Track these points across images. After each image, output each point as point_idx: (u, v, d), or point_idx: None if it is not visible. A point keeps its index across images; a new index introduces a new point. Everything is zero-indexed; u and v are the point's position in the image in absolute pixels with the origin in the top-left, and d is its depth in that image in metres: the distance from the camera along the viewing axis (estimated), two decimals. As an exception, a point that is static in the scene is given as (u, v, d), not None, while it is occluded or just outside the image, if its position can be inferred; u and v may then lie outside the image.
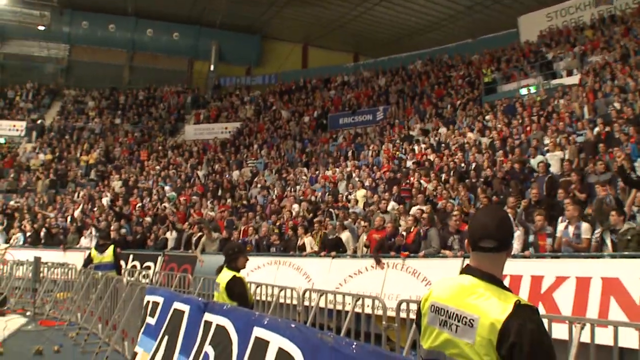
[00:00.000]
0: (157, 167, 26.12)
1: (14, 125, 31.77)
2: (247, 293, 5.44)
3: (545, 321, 5.13)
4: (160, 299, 5.62)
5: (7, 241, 19.70)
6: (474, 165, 14.61)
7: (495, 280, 2.33)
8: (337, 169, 19.18)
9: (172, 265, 15.58)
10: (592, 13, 23.77)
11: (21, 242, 19.47)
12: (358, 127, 25.43)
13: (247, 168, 23.65)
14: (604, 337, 5.53)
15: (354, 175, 17.94)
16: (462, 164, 15.27)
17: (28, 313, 12.59)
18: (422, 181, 14.68)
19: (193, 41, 36.68)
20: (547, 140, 14.25)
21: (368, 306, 7.84)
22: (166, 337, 5.05)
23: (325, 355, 2.77)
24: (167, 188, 22.76)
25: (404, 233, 11.31)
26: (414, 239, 10.96)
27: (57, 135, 31.55)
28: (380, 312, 7.67)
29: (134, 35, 36.18)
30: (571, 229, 8.84)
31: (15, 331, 10.76)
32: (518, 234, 9.43)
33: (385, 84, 28.50)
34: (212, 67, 36.72)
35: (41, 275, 13.34)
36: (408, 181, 15.08)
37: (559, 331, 5.57)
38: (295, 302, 9.62)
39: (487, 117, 18.91)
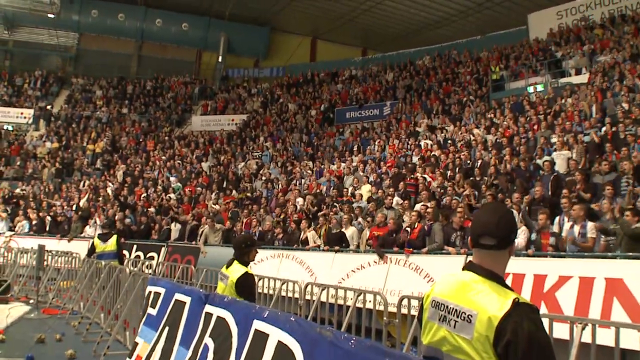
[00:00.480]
0: (163, 158, 26.17)
1: (22, 113, 31.91)
2: (255, 290, 5.38)
3: (546, 321, 5.15)
4: (161, 290, 5.62)
5: (11, 229, 19.76)
6: (479, 162, 14.56)
7: (496, 277, 2.32)
8: (343, 164, 19.14)
9: (176, 256, 15.63)
10: (603, 12, 23.57)
11: (26, 230, 19.54)
12: (365, 121, 25.38)
13: (252, 160, 23.65)
14: (605, 337, 5.49)
15: (359, 170, 17.91)
16: (468, 161, 15.21)
17: (31, 301, 12.64)
18: (427, 177, 14.64)
19: (202, 32, 36.64)
20: (554, 139, 14.18)
21: (369, 301, 7.83)
22: (167, 328, 5.04)
23: (324, 350, 2.76)
24: (172, 179, 22.80)
25: (408, 229, 11.29)
26: (418, 234, 10.94)
27: (64, 123, 31.66)
28: (381, 308, 7.67)
29: (143, 25, 36.16)
30: (577, 228, 8.82)
31: (18, 319, 10.80)
32: (522, 229, 9.41)
33: (392, 78, 28.43)
34: (220, 59, 36.65)
35: (45, 263, 13.39)
36: (413, 176, 15.04)
37: (560, 331, 5.55)
38: (297, 295, 9.63)
39: (494, 115, 18.82)
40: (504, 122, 17.38)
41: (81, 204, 21.26)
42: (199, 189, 20.49)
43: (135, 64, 38.20)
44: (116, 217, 18.04)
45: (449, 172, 14.69)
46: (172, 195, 20.42)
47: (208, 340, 4.15)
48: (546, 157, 13.09)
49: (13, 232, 19.26)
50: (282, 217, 15.59)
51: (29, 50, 36.92)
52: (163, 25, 36.43)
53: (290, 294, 9.65)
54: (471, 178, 13.45)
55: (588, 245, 8.55)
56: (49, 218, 19.97)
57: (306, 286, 9.56)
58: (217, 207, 17.78)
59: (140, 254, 16.64)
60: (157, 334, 5.16)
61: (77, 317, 10.61)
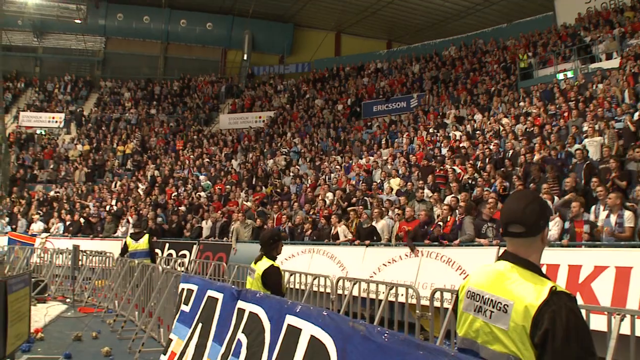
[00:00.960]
0: (192, 157, 26.41)
1: (53, 117, 32.52)
2: (282, 282, 5.45)
3: (583, 312, 5.01)
4: (194, 287, 5.67)
5: (47, 230, 20.16)
6: (510, 152, 14.35)
7: (531, 265, 2.28)
8: (371, 157, 19.06)
9: (207, 253, 15.78)
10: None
11: (61, 231, 19.92)
12: (392, 114, 25.25)
13: (281, 157, 23.71)
14: (645, 329, 5.35)
15: (388, 163, 17.82)
16: (500, 151, 15.00)
17: (68, 300, 12.88)
18: (456, 168, 14.49)
19: (226, 31, 36.86)
20: (585, 127, 13.89)
21: (402, 295, 7.78)
22: (200, 325, 5.09)
23: (357, 344, 2.75)
24: (201, 177, 23.00)
25: (441, 223, 11.20)
26: (452, 228, 10.85)
27: (94, 126, 32.18)
28: (414, 301, 7.61)
29: (168, 27, 36.52)
30: (613, 217, 8.62)
31: (56, 318, 11.02)
32: (556, 220, 9.26)
33: (419, 70, 28.22)
34: (245, 57, 36.84)
35: (80, 263, 13.65)
36: (442, 168, 14.90)
37: (597, 322, 5.44)
38: (329, 290, 9.62)
39: (523, 104, 18.54)
40: (533, 110, 17.10)
41: (113, 204, 21.57)
42: (228, 186, 20.62)
43: (162, 65, 38.61)
44: (148, 217, 18.29)
45: (479, 163, 14.52)
46: (203, 194, 20.60)
47: (241, 336, 4.17)
48: (577, 145, 12.82)
49: (48, 234, 19.65)
50: (311, 212, 15.60)
51: (57, 56, 37.59)
52: (188, 25, 36.76)
53: (322, 289, 9.64)
54: (502, 169, 13.26)
55: (626, 235, 8.35)
56: (82, 219, 20.31)
57: (338, 281, 9.55)
58: (248, 204, 17.88)
59: (173, 252, 16.85)
60: (191, 331, 5.21)
61: (112, 315, 10.79)
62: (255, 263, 5.47)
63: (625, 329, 5.12)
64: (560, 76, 20.10)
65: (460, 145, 16.78)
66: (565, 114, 15.67)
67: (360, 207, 14.20)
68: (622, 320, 5.06)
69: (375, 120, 25.38)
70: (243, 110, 32.39)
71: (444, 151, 16.62)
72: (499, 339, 2.20)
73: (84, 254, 14.29)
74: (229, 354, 4.26)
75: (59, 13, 32.27)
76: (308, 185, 18.61)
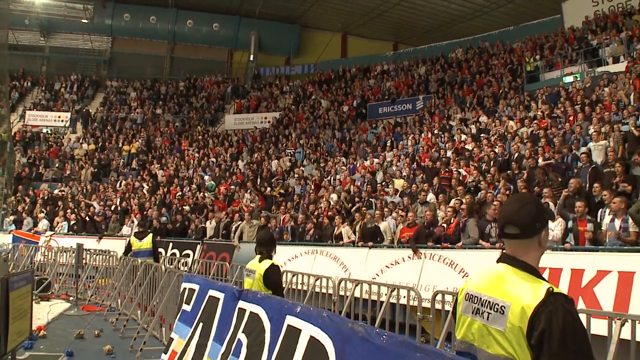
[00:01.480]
0: (196, 156, 26.46)
1: (59, 117, 32.63)
2: (282, 281, 5.48)
3: (583, 316, 5.03)
4: (196, 287, 5.68)
5: (51, 229, 20.22)
6: (516, 155, 14.30)
7: (528, 267, 2.28)
8: (376, 159, 19.05)
9: (211, 253, 15.79)
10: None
11: (65, 230, 19.97)
12: (398, 116, 25.23)
13: (285, 158, 23.73)
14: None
15: (393, 164, 17.80)
16: (505, 154, 14.96)
17: (71, 298, 12.93)
18: (461, 171, 14.46)
19: (232, 31, 36.91)
20: (591, 130, 13.82)
21: (403, 297, 7.78)
22: (201, 324, 5.09)
23: (356, 345, 2.74)
24: (206, 177, 23.02)
25: (444, 225, 11.19)
26: (454, 230, 10.83)
27: (100, 125, 32.27)
28: (415, 303, 7.60)
29: (175, 27, 36.57)
30: (618, 222, 8.57)
31: (59, 315, 11.08)
32: (559, 220, 9.23)
33: (425, 72, 28.19)
34: (251, 57, 36.90)
35: (83, 262, 13.69)
36: (447, 169, 14.87)
37: (598, 327, 5.41)
38: (331, 291, 9.62)
39: (529, 107, 18.48)
40: (539, 113, 17.05)
41: (117, 203, 21.63)
42: (233, 187, 20.63)
43: (168, 65, 38.72)
44: (152, 216, 18.33)
45: (483, 166, 14.48)
46: (207, 194, 20.62)
47: (241, 336, 4.17)
48: (583, 148, 12.78)
49: (53, 232, 19.71)
50: (315, 213, 15.60)
51: (64, 55, 37.73)
52: (194, 26, 36.83)
53: (324, 290, 9.64)
54: (508, 172, 13.22)
55: (631, 239, 8.32)
56: (87, 218, 20.36)
57: (340, 282, 9.55)
58: (252, 205, 17.89)
59: (176, 251, 16.86)
60: (192, 330, 5.21)
61: (114, 314, 10.82)
62: (253, 263, 5.50)
63: (626, 334, 5.09)
64: (569, 79, 20.00)
65: (465, 147, 16.76)
66: (571, 118, 15.61)
67: (364, 208, 14.18)
68: (623, 325, 5.04)
69: (381, 122, 25.35)
70: (249, 111, 32.44)
71: (449, 153, 16.59)
72: (496, 341, 2.19)
73: (88, 252, 14.33)
74: (229, 353, 4.26)
75: (66, 12, 32.45)
76: (312, 186, 18.61)
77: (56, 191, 24.86)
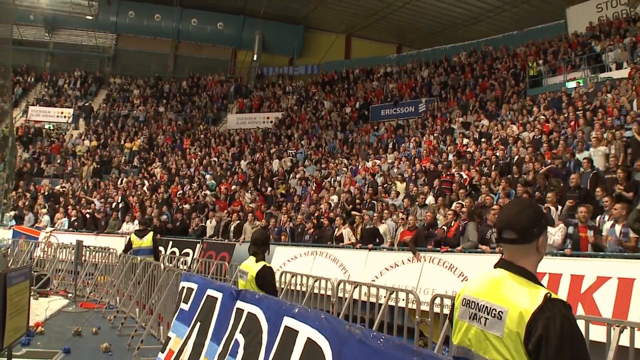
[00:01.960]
0: (199, 154, 26.48)
1: (62, 112, 32.67)
2: (275, 283, 5.47)
3: (582, 322, 5.02)
4: (194, 286, 5.67)
5: (52, 224, 20.23)
6: (516, 159, 14.29)
7: (526, 273, 2.26)
8: (377, 161, 19.05)
9: (211, 252, 15.78)
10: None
11: (66, 227, 19.97)
12: (400, 118, 25.23)
13: (287, 158, 23.73)
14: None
15: (394, 167, 17.79)
16: (507, 157, 14.95)
17: (69, 295, 12.96)
18: (462, 174, 14.45)
19: (237, 31, 36.92)
20: (593, 134, 13.79)
21: (402, 300, 7.76)
22: (199, 324, 5.08)
23: (353, 347, 2.74)
24: (207, 176, 23.02)
25: (445, 227, 11.17)
26: (455, 233, 10.81)
27: (103, 122, 32.31)
28: (414, 306, 7.59)
29: (179, 25, 36.61)
30: (618, 227, 8.56)
31: (57, 312, 11.09)
32: (560, 226, 9.22)
33: (428, 75, 28.19)
34: (255, 57, 36.94)
35: (83, 258, 13.69)
36: (449, 173, 14.86)
37: (597, 333, 5.40)
38: (329, 293, 9.61)
39: (531, 111, 18.46)
40: (541, 117, 17.03)
41: (118, 200, 21.64)
42: (234, 186, 20.63)
43: (172, 63, 38.77)
44: (152, 214, 18.33)
45: (485, 169, 14.48)
46: (208, 193, 20.61)
47: (239, 336, 4.17)
48: (584, 154, 12.76)
49: (53, 228, 19.72)
50: (316, 214, 15.60)
51: (68, 52, 37.82)
52: (198, 24, 36.85)
53: (323, 291, 9.63)
54: (508, 176, 13.21)
55: (631, 245, 8.30)
56: (87, 214, 20.37)
57: (339, 284, 9.54)
58: (252, 205, 17.88)
59: (176, 250, 16.85)
60: (189, 329, 5.21)
61: (113, 311, 10.82)
62: (246, 265, 5.49)
63: (625, 341, 5.08)
64: (572, 84, 19.99)
65: (467, 150, 16.75)
66: (573, 123, 15.59)
67: (364, 210, 14.17)
68: (621, 332, 5.03)
69: (383, 124, 25.36)
70: (251, 111, 32.46)
71: (451, 156, 16.59)
72: (494, 347, 2.18)
73: (87, 249, 14.33)
74: (227, 353, 4.25)
75: (71, 9, 32.55)
76: (313, 187, 18.60)
77: (57, 187, 24.87)
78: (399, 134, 22.62)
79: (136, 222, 16.99)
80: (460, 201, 12.13)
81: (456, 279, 9.64)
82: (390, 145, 20.67)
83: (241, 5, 34.83)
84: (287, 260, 13.27)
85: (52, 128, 31.54)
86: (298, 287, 10.25)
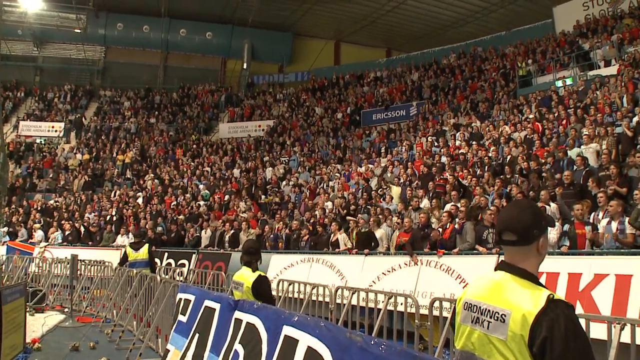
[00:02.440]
0: (192, 164, 26.43)
1: (53, 127, 32.55)
2: (271, 292, 5.45)
3: (582, 321, 4.99)
4: (191, 297, 5.64)
5: (46, 239, 20.11)
6: (508, 158, 14.33)
7: (527, 274, 2.25)
8: (371, 165, 19.05)
9: (207, 263, 15.70)
10: (631, 1, 23.02)
11: (60, 241, 19.86)
12: (391, 122, 25.27)
13: (280, 165, 23.72)
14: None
15: (388, 171, 17.81)
16: (499, 158, 14.99)
17: (66, 310, 12.82)
18: (456, 176, 14.46)
19: (226, 40, 36.88)
20: (585, 131, 13.85)
21: (401, 304, 7.74)
22: (197, 335, 5.05)
23: (354, 355, 2.72)
24: (201, 186, 22.97)
25: (440, 229, 11.15)
26: (451, 234, 10.79)
27: (94, 135, 32.19)
28: (413, 311, 7.57)
29: (168, 36, 36.51)
30: (614, 224, 8.57)
31: (53, 327, 10.96)
32: (555, 225, 9.22)
33: (418, 78, 28.28)
34: (245, 66, 36.90)
35: (78, 272, 13.57)
36: (443, 176, 14.87)
37: (597, 331, 5.39)
38: (327, 299, 9.58)
39: (522, 110, 18.54)
40: (531, 116, 17.11)
41: (112, 213, 21.54)
42: (227, 196, 20.58)
43: (162, 74, 38.70)
44: (147, 226, 18.25)
45: (477, 170, 14.51)
46: (202, 203, 20.56)
47: (238, 347, 4.14)
48: (576, 150, 12.82)
49: (47, 243, 19.60)
50: (311, 220, 15.57)
51: (57, 65, 37.69)
52: (187, 35, 36.79)
53: (320, 298, 9.60)
54: (501, 176, 13.24)
55: (628, 241, 8.32)
56: (82, 228, 20.26)
57: (337, 290, 9.51)
58: (245, 215, 17.82)
59: (172, 261, 16.77)
60: (188, 341, 5.17)
61: (110, 325, 10.74)
62: (240, 275, 5.46)
63: (626, 338, 5.08)
64: (559, 83, 20.12)
65: (460, 152, 16.78)
66: (564, 121, 15.65)
67: (359, 215, 14.16)
68: (622, 329, 5.03)
69: (374, 129, 25.40)
70: (243, 119, 32.44)
71: (444, 159, 16.61)
72: (497, 350, 2.17)
73: (83, 263, 14.23)
74: (226, 364, 4.22)
75: (59, 23, 32.37)
76: (307, 194, 18.58)
77: (50, 202, 24.74)
78: (391, 138, 22.65)
79: (130, 234, 16.91)
80: (454, 204, 12.12)
81: (454, 281, 9.61)
82: (383, 150, 20.69)
83: (229, 14, 34.82)
84: (283, 267, 13.22)
85: (43, 142, 31.39)
86: (296, 295, 10.22)
